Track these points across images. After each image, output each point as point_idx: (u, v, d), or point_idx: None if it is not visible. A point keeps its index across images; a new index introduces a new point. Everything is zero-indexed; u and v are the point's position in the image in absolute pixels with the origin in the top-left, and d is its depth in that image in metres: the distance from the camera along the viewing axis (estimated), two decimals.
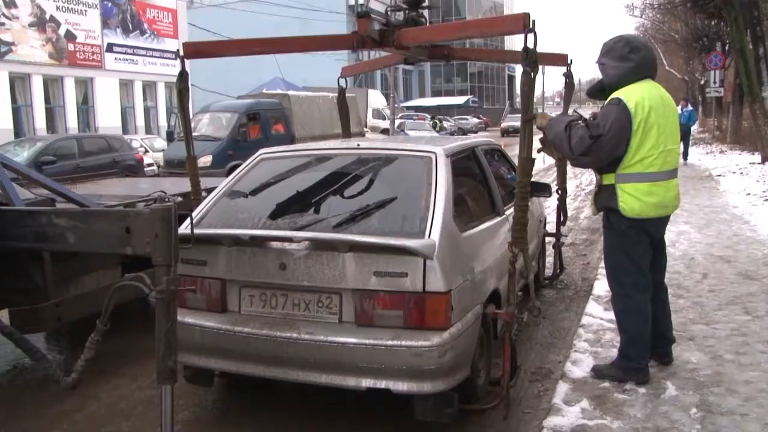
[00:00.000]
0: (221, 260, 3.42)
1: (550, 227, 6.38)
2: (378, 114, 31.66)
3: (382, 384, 3.12)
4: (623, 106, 3.45)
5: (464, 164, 4.18)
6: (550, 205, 6.94)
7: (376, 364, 3.09)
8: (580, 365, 3.96)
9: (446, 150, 3.79)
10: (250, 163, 4.13)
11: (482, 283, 3.59)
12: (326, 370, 3.19)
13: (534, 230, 5.21)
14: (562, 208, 6.03)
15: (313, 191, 3.79)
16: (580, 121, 3.60)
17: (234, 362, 3.38)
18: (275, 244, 3.34)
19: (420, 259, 3.06)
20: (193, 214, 3.75)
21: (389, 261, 3.11)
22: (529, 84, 3.46)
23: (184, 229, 3.16)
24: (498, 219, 4.18)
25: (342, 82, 5.76)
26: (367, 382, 3.14)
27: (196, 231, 3.58)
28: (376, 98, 33.84)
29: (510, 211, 3.98)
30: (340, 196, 3.69)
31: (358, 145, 4.17)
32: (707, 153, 20.74)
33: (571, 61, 5.47)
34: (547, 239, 6.36)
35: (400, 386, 3.10)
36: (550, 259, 6.53)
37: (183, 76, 4.38)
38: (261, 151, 4.26)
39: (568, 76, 5.55)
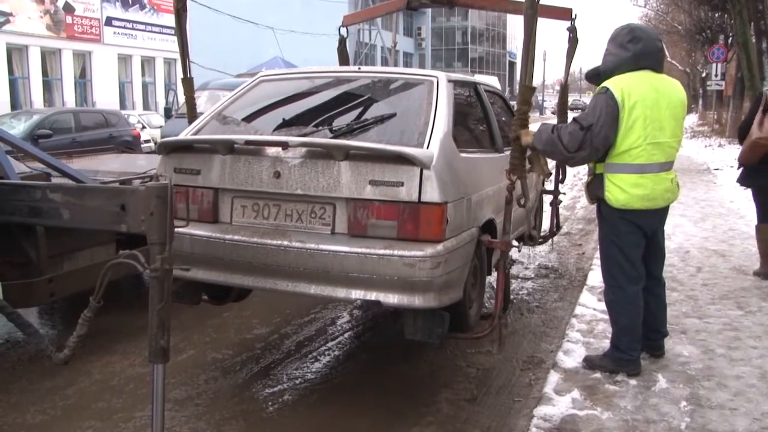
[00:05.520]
0: (215, 169, 3.39)
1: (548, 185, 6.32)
2: None
3: (372, 296, 3.09)
4: (610, 94, 3.42)
5: (466, 95, 4.22)
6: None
7: (367, 274, 3.06)
8: (572, 355, 3.96)
9: (449, 76, 3.81)
10: (249, 84, 4.11)
11: (478, 207, 3.57)
12: (316, 281, 3.18)
13: (532, 182, 5.16)
14: (561, 165, 5.88)
15: (313, 108, 3.79)
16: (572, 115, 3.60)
17: (222, 273, 3.37)
18: (270, 152, 3.30)
19: (417, 169, 3.04)
20: (188, 128, 3.75)
21: (385, 170, 3.08)
22: None
23: (183, 136, 3.13)
24: (497, 155, 4.18)
25: (343, 31, 5.90)
26: (357, 294, 3.12)
27: (192, 136, 3.59)
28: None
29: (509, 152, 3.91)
30: (340, 112, 3.68)
31: (359, 68, 4.18)
32: (706, 146, 20.72)
33: (575, 15, 5.29)
34: (546, 198, 6.30)
35: (391, 299, 3.08)
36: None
37: None
38: (261, 73, 4.27)
39: (572, 31, 5.34)
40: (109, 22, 27.00)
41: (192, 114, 4.61)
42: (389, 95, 3.81)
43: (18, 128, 11.96)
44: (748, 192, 10.54)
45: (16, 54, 23.61)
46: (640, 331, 3.69)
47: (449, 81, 3.74)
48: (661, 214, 3.70)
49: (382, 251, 3.04)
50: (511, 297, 5.41)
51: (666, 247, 4.03)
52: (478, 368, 4.05)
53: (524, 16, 3.51)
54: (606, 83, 3.50)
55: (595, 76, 3.74)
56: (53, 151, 6.60)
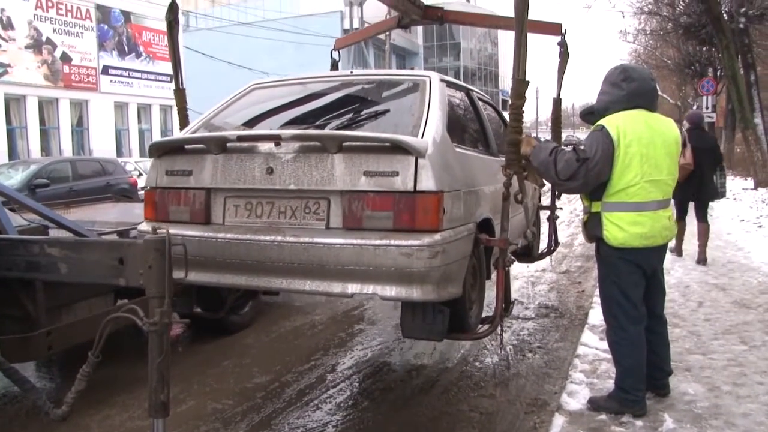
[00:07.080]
0: (207, 169, 3.35)
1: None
2: None
3: (369, 289, 3.04)
4: (606, 132, 3.45)
5: (460, 98, 4.25)
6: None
7: (364, 266, 3.00)
8: (576, 397, 3.91)
9: (441, 76, 3.85)
10: (241, 91, 4.12)
11: (475, 202, 3.54)
12: (311, 276, 3.13)
13: (529, 193, 5.11)
14: None
15: (306, 110, 3.80)
16: (565, 147, 3.62)
17: (214, 273, 3.32)
18: (263, 148, 3.27)
19: (411, 158, 3.02)
20: (181, 133, 3.77)
21: (380, 160, 3.06)
22: None
23: (182, 134, 3.13)
24: (492, 158, 4.18)
25: (335, 54, 6.09)
26: (353, 288, 3.06)
27: (184, 136, 3.59)
28: None
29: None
30: (334, 112, 3.69)
31: (352, 72, 4.22)
32: None
33: (565, 30, 5.33)
34: (543, 214, 6.28)
35: (388, 291, 3.02)
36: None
37: (173, 7, 4.40)
38: (253, 81, 4.29)
39: (563, 45, 5.35)
40: (105, 70, 27.34)
41: (184, 124, 4.62)
42: (383, 95, 3.84)
43: (15, 178, 12.02)
44: (746, 224, 10.73)
45: (14, 104, 23.85)
46: (644, 370, 3.65)
47: (442, 80, 3.79)
48: (660, 251, 3.70)
49: (378, 241, 2.99)
50: (514, 333, 5.37)
51: (666, 282, 4.01)
52: (481, 412, 3.99)
53: (515, 7, 3.46)
54: (601, 121, 3.53)
55: (589, 115, 3.78)
56: (50, 200, 6.62)
